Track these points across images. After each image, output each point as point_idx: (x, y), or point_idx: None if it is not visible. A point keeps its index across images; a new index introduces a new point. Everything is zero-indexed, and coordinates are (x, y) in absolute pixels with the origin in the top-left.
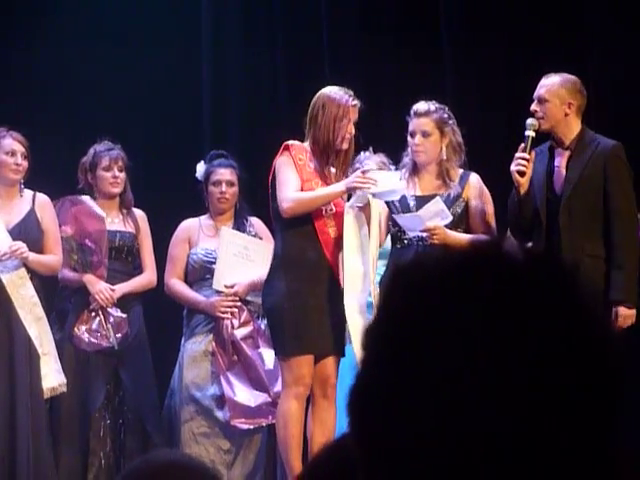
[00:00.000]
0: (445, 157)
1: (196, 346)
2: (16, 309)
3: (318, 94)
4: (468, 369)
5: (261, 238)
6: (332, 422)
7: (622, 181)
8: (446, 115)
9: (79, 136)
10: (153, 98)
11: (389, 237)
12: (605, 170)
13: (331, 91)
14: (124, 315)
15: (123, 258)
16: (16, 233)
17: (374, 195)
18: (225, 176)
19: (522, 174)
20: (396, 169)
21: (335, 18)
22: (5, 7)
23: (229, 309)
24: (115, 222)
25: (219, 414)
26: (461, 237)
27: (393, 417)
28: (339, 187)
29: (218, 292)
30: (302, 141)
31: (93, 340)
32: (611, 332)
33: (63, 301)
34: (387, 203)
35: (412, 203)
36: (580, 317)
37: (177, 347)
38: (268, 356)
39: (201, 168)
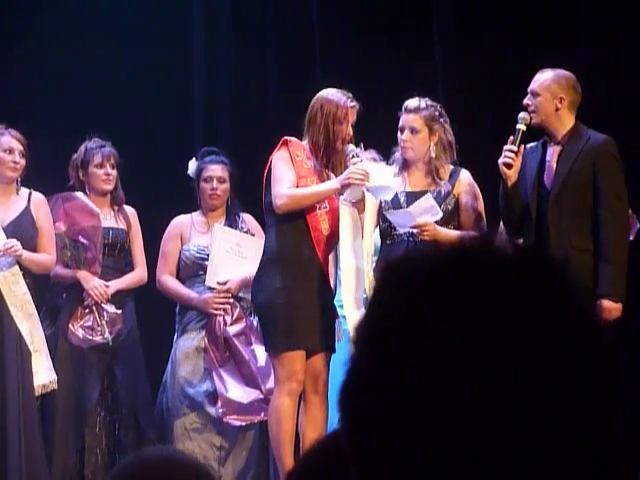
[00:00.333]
0: (434, 155)
1: (188, 342)
2: (8, 306)
3: (316, 96)
4: (457, 364)
5: (253, 234)
6: (324, 418)
7: (612, 177)
8: (437, 113)
9: (69, 133)
10: (144, 95)
11: (378, 234)
12: (595, 165)
13: (329, 93)
14: (119, 311)
15: (115, 255)
16: (10, 231)
17: (368, 190)
18: (216, 172)
19: (509, 166)
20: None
21: (327, 17)
22: None
23: (222, 306)
24: (107, 219)
25: (211, 410)
26: (452, 234)
27: (383, 411)
28: (333, 184)
29: (211, 289)
30: (297, 138)
31: (88, 336)
32: (600, 326)
33: (54, 297)
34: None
35: (402, 199)
36: (569, 311)
37: (169, 343)
38: (260, 353)
39: (193, 165)
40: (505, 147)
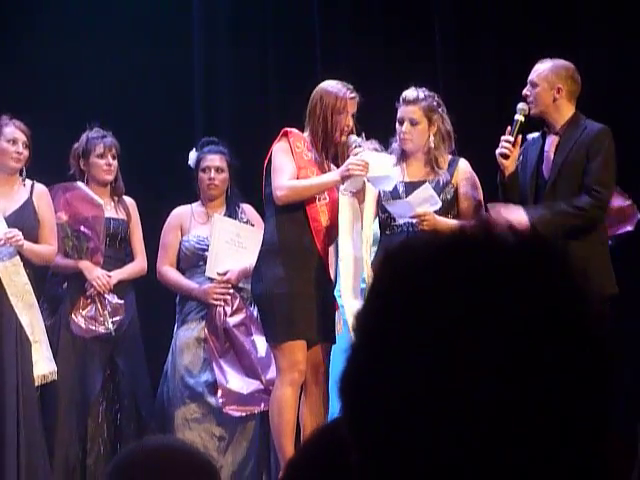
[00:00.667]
0: (433, 145)
1: (189, 333)
2: (8, 296)
3: (317, 88)
4: (457, 352)
5: (253, 225)
6: (324, 409)
7: (600, 160)
8: (435, 103)
9: (68, 124)
10: (145, 86)
11: (377, 224)
12: (588, 151)
13: (329, 84)
14: (121, 301)
15: (116, 245)
16: (12, 221)
17: (368, 180)
18: (214, 162)
19: (506, 157)
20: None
21: (327, 15)
22: None
23: (222, 296)
24: (107, 209)
25: (212, 400)
26: (451, 223)
27: (383, 400)
28: (333, 176)
29: (210, 279)
30: (297, 129)
31: (90, 326)
32: (601, 313)
33: (54, 287)
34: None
35: (401, 189)
36: (570, 298)
37: (169, 334)
38: (261, 343)
39: (193, 155)
40: (502, 138)
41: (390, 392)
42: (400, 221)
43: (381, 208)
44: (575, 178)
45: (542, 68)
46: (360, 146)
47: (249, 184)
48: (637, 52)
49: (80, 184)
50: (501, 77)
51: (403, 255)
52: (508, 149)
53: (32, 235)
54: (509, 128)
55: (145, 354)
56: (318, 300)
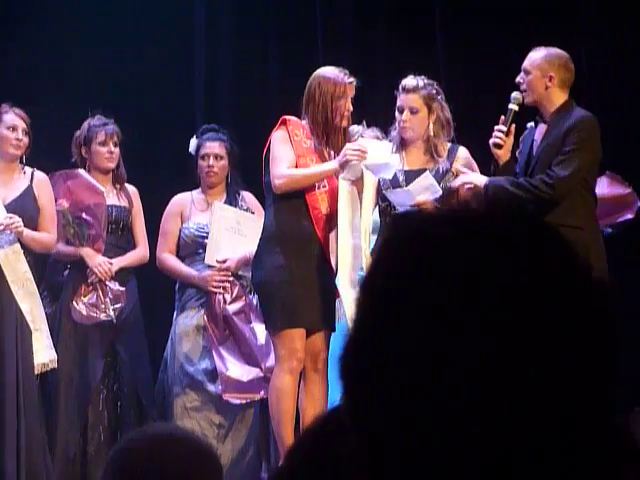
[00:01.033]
0: (432, 133)
1: (188, 320)
2: (9, 283)
3: (313, 75)
4: (456, 331)
5: (253, 212)
6: (324, 396)
7: (575, 145)
8: (434, 91)
9: (70, 111)
10: (146, 74)
11: (377, 212)
12: (565, 138)
13: (326, 71)
14: (122, 288)
15: (117, 232)
16: (12, 209)
17: (367, 167)
18: (213, 149)
19: (499, 147)
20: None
21: (329, 2)
22: None
23: (221, 284)
24: (109, 197)
25: (211, 388)
26: None
27: (382, 380)
28: (332, 165)
29: (210, 267)
30: (298, 117)
31: (92, 314)
32: (605, 291)
33: (55, 274)
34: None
35: (401, 178)
36: (574, 277)
37: (169, 321)
38: (260, 331)
39: (193, 142)
40: (496, 127)
41: (388, 373)
42: (400, 210)
43: (381, 197)
44: (549, 163)
45: (535, 56)
46: (362, 136)
47: (251, 171)
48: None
49: (81, 171)
50: (503, 64)
51: (406, 226)
52: (501, 139)
53: (32, 223)
54: (502, 117)
55: (146, 341)
56: (318, 287)
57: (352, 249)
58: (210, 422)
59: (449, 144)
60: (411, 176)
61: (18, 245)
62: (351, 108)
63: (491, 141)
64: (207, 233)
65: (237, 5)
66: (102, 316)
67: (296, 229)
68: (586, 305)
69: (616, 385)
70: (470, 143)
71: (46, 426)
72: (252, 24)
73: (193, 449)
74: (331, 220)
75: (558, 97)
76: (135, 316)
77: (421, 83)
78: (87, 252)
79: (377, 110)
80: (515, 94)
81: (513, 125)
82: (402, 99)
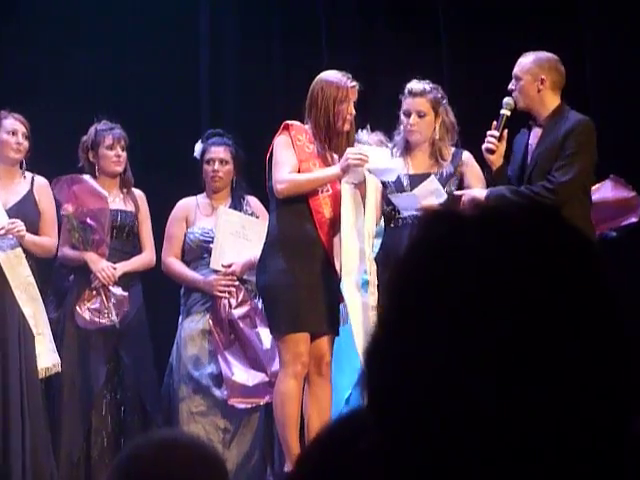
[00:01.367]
0: (438, 137)
1: (194, 325)
2: (12, 288)
3: (316, 79)
4: (476, 332)
5: (258, 217)
6: (328, 400)
7: (574, 151)
8: (440, 95)
9: (76, 116)
10: (151, 78)
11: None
12: (563, 142)
13: (329, 75)
14: (125, 293)
15: (123, 237)
16: (13, 213)
17: (370, 171)
18: (218, 154)
19: (492, 152)
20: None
21: (333, 4)
22: None
23: (227, 288)
24: (116, 201)
25: (217, 393)
26: None
27: (405, 378)
28: (334, 170)
29: (215, 271)
30: (301, 122)
31: (95, 319)
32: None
33: (61, 279)
34: (382, 182)
35: (406, 182)
36: (596, 279)
37: (174, 326)
38: (265, 335)
39: (198, 147)
40: (488, 133)
41: (416, 375)
42: (405, 214)
43: (386, 201)
44: (550, 166)
45: (525, 61)
46: (363, 143)
47: (256, 176)
48: None
49: (86, 176)
50: (504, 61)
51: (434, 227)
52: (493, 144)
53: (33, 228)
54: (495, 123)
55: (151, 346)
56: (322, 291)
57: (356, 253)
58: (216, 427)
59: (453, 148)
60: (416, 180)
61: (20, 249)
62: (354, 112)
63: (484, 146)
64: (212, 238)
65: (241, 6)
66: (105, 321)
67: (299, 233)
68: (610, 308)
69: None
70: (474, 145)
71: (50, 430)
72: (256, 28)
73: (199, 455)
74: (335, 224)
75: (551, 100)
76: (139, 321)
77: (427, 87)
78: (91, 257)
79: (380, 112)
80: (507, 99)
81: (506, 130)
82: (409, 103)
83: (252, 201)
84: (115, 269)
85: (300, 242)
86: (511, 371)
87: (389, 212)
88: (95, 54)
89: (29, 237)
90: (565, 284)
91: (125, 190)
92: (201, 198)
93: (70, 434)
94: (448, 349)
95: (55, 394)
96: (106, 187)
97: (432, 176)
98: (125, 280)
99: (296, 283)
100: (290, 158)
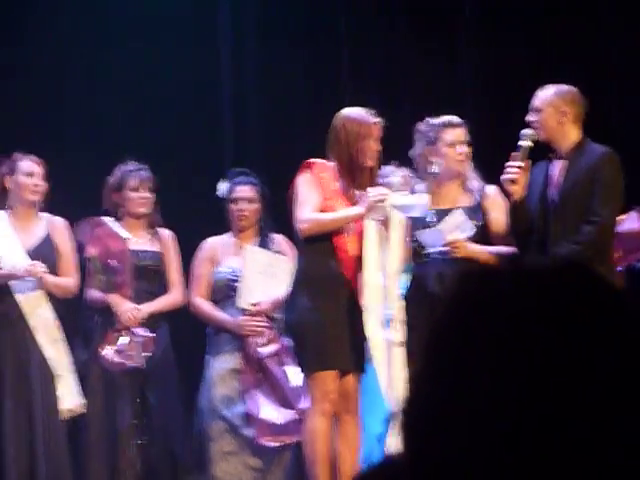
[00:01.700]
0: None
1: (224, 364)
2: (31, 329)
3: (337, 115)
4: (518, 391)
5: (285, 255)
6: (358, 437)
7: (606, 185)
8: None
9: (101, 155)
10: (174, 116)
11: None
12: (594, 174)
13: (351, 111)
14: (151, 334)
15: (149, 278)
16: (34, 256)
17: (395, 207)
18: (245, 193)
19: (514, 182)
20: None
21: (356, 33)
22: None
23: (256, 329)
24: (140, 242)
25: (247, 432)
26: (482, 250)
27: (448, 428)
28: (358, 209)
29: (243, 310)
30: (324, 157)
31: (119, 360)
32: None
33: (86, 321)
34: (408, 217)
35: (432, 217)
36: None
37: (201, 365)
38: (292, 373)
39: (222, 186)
40: (508, 164)
41: (452, 418)
42: (431, 250)
43: (412, 237)
44: (581, 201)
45: (546, 94)
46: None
47: (284, 214)
48: None
49: (107, 219)
50: (526, 82)
51: (477, 287)
52: (517, 174)
53: (53, 269)
54: (514, 154)
55: (178, 386)
56: (349, 329)
57: (379, 289)
58: (247, 466)
59: (477, 182)
60: (442, 215)
61: (41, 291)
62: (379, 148)
63: (503, 177)
64: (239, 277)
65: (263, 44)
66: (130, 363)
67: (324, 271)
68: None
69: None
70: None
71: (76, 472)
72: (278, 66)
73: None
74: (360, 262)
75: (573, 132)
76: (166, 361)
77: (460, 119)
78: (114, 299)
79: (400, 131)
80: (526, 131)
81: (529, 161)
82: (454, 133)
83: (278, 239)
84: (139, 310)
85: (325, 280)
86: (547, 424)
87: (415, 248)
88: (120, 94)
89: (50, 278)
90: (600, 339)
91: (152, 230)
92: (227, 237)
93: (96, 475)
94: (485, 399)
95: (81, 435)
96: (132, 228)
97: (460, 210)
98: (151, 321)
99: (323, 321)
100: (312, 197)
